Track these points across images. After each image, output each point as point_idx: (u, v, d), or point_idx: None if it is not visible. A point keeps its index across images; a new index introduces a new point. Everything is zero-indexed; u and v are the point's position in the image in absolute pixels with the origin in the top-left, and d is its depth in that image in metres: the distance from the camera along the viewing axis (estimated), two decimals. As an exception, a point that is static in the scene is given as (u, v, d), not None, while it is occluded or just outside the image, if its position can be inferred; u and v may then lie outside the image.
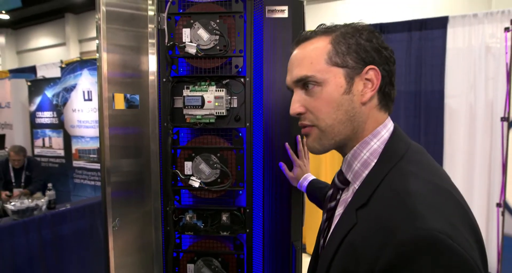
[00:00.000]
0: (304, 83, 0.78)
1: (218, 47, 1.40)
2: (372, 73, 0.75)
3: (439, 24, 3.51)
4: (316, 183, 1.37)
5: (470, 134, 3.45)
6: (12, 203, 2.98)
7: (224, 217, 1.49)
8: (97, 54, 1.12)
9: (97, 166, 4.83)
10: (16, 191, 4.46)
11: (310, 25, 1.63)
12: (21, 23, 13.16)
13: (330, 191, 0.88)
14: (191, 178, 1.44)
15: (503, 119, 3.13)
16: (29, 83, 5.33)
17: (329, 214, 0.85)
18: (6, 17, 11.70)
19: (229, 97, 1.43)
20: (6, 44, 13.87)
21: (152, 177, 1.47)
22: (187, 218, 1.49)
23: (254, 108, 1.44)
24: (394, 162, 0.72)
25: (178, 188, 1.48)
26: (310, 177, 1.40)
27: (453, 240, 0.56)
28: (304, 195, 1.57)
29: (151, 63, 1.42)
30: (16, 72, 6.30)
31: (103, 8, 1.09)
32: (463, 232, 0.59)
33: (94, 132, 4.72)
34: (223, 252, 1.50)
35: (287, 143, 1.44)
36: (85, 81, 4.68)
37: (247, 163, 1.45)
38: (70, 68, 4.79)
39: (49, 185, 3.27)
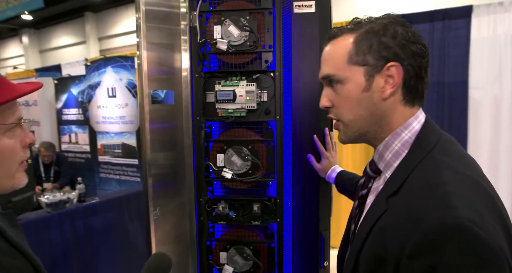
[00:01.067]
0: (329, 80, 0.83)
1: (248, 43, 1.44)
2: (394, 70, 0.76)
3: (463, 14, 3.44)
4: (345, 174, 1.41)
5: (495, 127, 3.40)
6: (46, 196, 3.12)
7: (255, 207, 1.54)
8: (137, 52, 1.18)
9: (121, 160, 4.97)
10: (47, 185, 4.65)
11: (335, 18, 1.66)
12: (43, 23, 13.50)
13: (362, 180, 0.93)
14: (223, 169, 1.49)
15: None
16: (55, 81, 5.50)
17: (360, 201, 0.88)
18: (29, 17, 12.02)
19: (259, 91, 1.48)
20: (29, 43, 14.27)
21: (186, 169, 1.53)
22: (220, 208, 1.55)
23: (284, 101, 1.49)
24: (425, 152, 0.74)
25: (210, 180, 1.54)
26: (338, 168, 1.44)
27: (479, 228, 0.59)
28: (332, 186, 1.61)
29: (184, 59, 1.48)
30: (42, 71, 6.51)
31: (142, 7, 1.15)
32: (490, 220, 0.62)
33: (118, 127, 4.85)
34: (254, 240, 1.56)
35: (315, 136, 1.48)
36: (109, 78, 4.81)
37: (277, 155, 1.50)
38: (95, 66, 4.92)
39: (79, 179, 3.40)
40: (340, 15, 3.77)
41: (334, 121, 0.88)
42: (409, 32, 0.77)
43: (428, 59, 0.80)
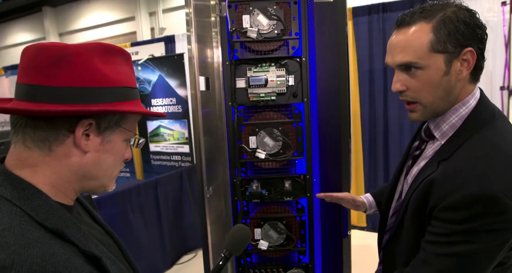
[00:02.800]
0: (407, 66, 0.89)
1: (276, 31, 1.54)
2: (469, 55, 0.84)
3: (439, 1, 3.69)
4: (377, 191, 1.39)
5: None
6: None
7: (286, 184, 1.66)
8: (189, 46, 1.26)
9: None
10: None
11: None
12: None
13: (416, 143, 1.05)
14: (257, 150, 1.60)
15: (502, 88, 3.38)
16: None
17: (414, 160, 1.02)
18: (-17, 12, 11.31)
19: (287, 76, 1.59)
20: (-16, 41, 13.44)
21: (220, 151, 1.63)
22: (253, 187, 1.66)
23: (310, 84, 1.61)
24: (477, 128, 0.86)
25: (245, 161, 1.64)
26: (369, 197, 1.39)
27: (507, 197, 0.74)
28: (351, 162, 1.76)
29: (215, 48, 1.56)
30: (12, 69, 6.21)
31: (193, 2, 1.23)
32: None
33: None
34: (287, 215, 1.68)
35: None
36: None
37: (306, 134, 1.62)
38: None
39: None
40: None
41: (407, 104, 0.95)
42: (474, 17, 0.85)
43: (486, 41, 0.89)
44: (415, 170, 0.99)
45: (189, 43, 1.27)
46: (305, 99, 1.61)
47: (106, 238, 0.87)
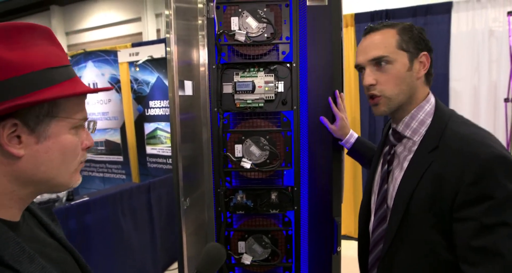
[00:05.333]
0: (377, 61, 1.03)
1: (265, 35, 1.47)
2: (424, 58, 1.03)
3: (444, 9, 3.60)
4: (364, 141, 1.50)
5: (474, 115, 3.59)
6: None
7: (273, 196, 1.57)
8: (168, 48, 1.18)
9: (105, 158, 4.85)
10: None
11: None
12: (6, 16, 12.84)
13: (386, 148, 1.15)
14: (242, 160, 1.52)
15: (506, 100, 3.27)
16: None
17: (389, 164, 1.11)
18: (-8, 10, 11.40)
19: (276, 82, 1.51)
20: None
21: (204, 159, 1.54)
22: (238, 198, 1.58)
23: (300, 92, 1.52)
24: (447, 118, 0.99)
25: (229, 170, 1.56)
26: (355, 134, 1.51)
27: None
28: (343, 173, 1.67)
29: (202, 51, 1.48)
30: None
31: (173, 5, 1.16)
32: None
33: (102, 124, 4.74)
34: (272, 229, 1.60)
35: (330, 98, 1.50)
36: (90, 73, 4.67)
37: (294, 144, 1.54)
38: (74, 60, 4.76)
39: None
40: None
41: (372, 98, 1.07)
42: (424, 33, 1.05)
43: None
44: (397, 172, 1.06)
45: (168, 45, 1.20)
46: (295, 107, 1.52)
47: (62, 255, 0.79)
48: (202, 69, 1.50)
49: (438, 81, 3.67)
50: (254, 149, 1.52)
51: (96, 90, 0.71)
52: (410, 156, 1.02)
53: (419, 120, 1.03)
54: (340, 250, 1.69)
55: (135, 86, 4.37)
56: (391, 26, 1.04)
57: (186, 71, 1.42)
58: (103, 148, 4.86)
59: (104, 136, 4.80)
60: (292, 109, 1.53)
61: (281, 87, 1.52)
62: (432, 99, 1.05)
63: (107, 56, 4.52)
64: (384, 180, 1.10)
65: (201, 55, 1.49)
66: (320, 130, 1.56)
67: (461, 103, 3.65)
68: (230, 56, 1.53)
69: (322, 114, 1.54)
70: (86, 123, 0.72)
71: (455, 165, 0.88)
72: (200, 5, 1.46)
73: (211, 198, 1.58)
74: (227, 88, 1.52)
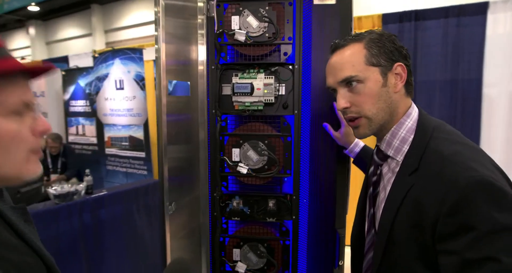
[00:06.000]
0: (348, 82, 0.96)
1: (267, 35, 1.40)
2: (400, 68, 0.94)
3: (478, 10, 3.37)
4: (370, 150, 1.40)
5: (509, 125, 3.34)
6: (54, 188, 3.10)
7: (270, 204, 1.51)
8: (156, 45, 1.15)
9: (129, 153, 4.95)
10: (53, 176, 4.65)
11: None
12: (50, 14, 13.49)
13: (372, 168, 1.06)
14: (239, 164, 1.46)
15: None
16: (63, 73, 5.48)
17: (374, 186, 1.03)
18: (36, 9, 12.00)
19: (277, 85, 1.44)
20: (36, 35, 14.27)
21: (200, 163, 1.50)
22: (234, 204, 1.52)
23: (302, 95, 1.44)
24: (429, 134, 0.89)
25: (225, 174, 1.51)
26: (361, 143, 1.43)
27: (499, 182, 0.73)
28: (349, 182, 1.57)
29: (201, 50, 1.44)
30: (50, 62, 6.48)
31: (162, 2, 1.12)
32: (499, 176, 0.77)
33: (126, 120, 4.83)
34: (269, 238, 1.53)
35: (335, 103, 1.40)
36: (117, 70, 4.78)
37: (294, 151, 1.46)
38: (102, 57, 4.89)
39: (87, 171, 3.38)
40: (357, 9, 3.70)
41: (352, 121, 0.99)
42: (396, 39, 0.96)
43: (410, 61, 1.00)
44: (382, 195, 0.98)
45: (156, 43, 1.16)
46: (296, 111, 1.44)
47: (28, 259, 0.76)
48: (200, 69, 1.46)
49: (471, 87, 3.44)
50: (251, 153, 1.46)
51: (32, 68, 0.65)
52: (394, 178, 0.94)
53: (400, 137, 0.95)
54: (343, 264, 1.59)
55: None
56: (358, 39, 0.96)
57: (182, 71, 1.38)
58: (127, 143, 4.95)
59: (128, 132, 4.90)
60: (293, 113, 1.45)
61: (282, 90, 1.45)
62: (413, 112, 0.96)
63: (133, 54, 4.60)
64: (370, 203, 1.03)
65: (200, 55, 1.44)
66: (323, 136, 1.47)
67: (495, 111, 3.40)
68: (230, 57, 1.47)
69: (325, 120, 1.46)
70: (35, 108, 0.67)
71: (433, 192, 0.80)
72: (200, 4, 1.41)
73: (206, 202, 1.53)
74: (226, 90, 1.47)
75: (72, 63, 6.11)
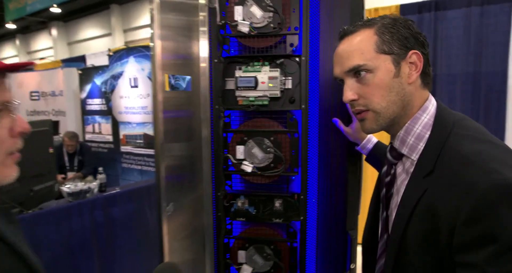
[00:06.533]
0: (356, 72, 0.86)
1: (272, 25, 1.32)
2: (415, 57, 0.85)
3: (505, -1, 3.19)
4: (384, 147, 1.30)
5: (537, 118, 3.15)
6: (67, 186, 3.12)
7: (277, 204, 1.43)
8: (151, 43, 1.09)
9: (143, 151, 4.97)
10: (70, 174, 4.71)
11: (367, 4, 1.50)
12: (71, 15, 13.77)
13: (385, 168, 0.96)
14: (243, 162, 1.39)
15: None
16: (79, 72, 5.55)
17: (388, 187, 0.93)
18: (58, 10, 12.26)
19: (283, 78, 1.36)
20: (58, 36, 14.60)
21: (203, 161, 1.44)
22: (239, 203, 1.45)
23: (310, 89, 1.36)
24: (448, 130, 0.80)
25: (229, 173, 1.44)
26: (374, 138, 1.33)
27: None
28: (361, 181, 1.48)
29: (202, 43, 1.37)
30: (68, 62, 6.59)
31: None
32: None
33: (141, 118, 4.84)
34: (275, 239, 1.45)
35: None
36: (132, 68, 4.79)
37: (302, 147, 1.38)
38: (117, 56, 4.91)
39: (100, 169, 3.39)
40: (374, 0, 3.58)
41: (358, 113, 0.91)
42: (412, 25, 0.86)
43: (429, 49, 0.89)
44: (395, 198, 0.90)
45: (152, 40, 1.11)
46: (303, 106, 1.36)
47: (9, 262, 0.71)
48: (203, 64, 1.39)
49: (495, 80, 3.26)
50: (256, 151, 1.39)
51: (10, 66, 0.61)
52: (408, 180, 0.85)
53: (416, 134, 0.85)
54: (355, 267, 1.50)
55: (173, 81, 4.39)
56: (369, 24, 0.87)
57: (183, 66, 1.32)
58: (141, 141, 4.97)
59: (142, 130, 4.91)
60: (300, 108, 1.37)
61: (288, 83, 1.37)
62: (430, 106, 0.86)
63: (147, 51, 4.60)
64: (384, 206, 0.94)
65: (202, 49, 1.38)
66: (333, 132, 1.39)
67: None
68: (234, 49, 1.40)
69: (335, 114, 1.37)
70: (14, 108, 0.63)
71: (450, 197, 0.70)
72: (202, 1, 1.35)
73: (210, 202, 1.47)
74: (230, 84, 1.40)
75: (89, 62, 6.18)
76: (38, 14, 12.28)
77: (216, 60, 1.39)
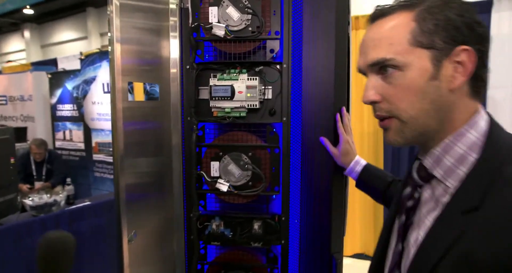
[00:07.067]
0: (381, 67, 0.67)
1: (250, 28, 1.19)
2: (465, 55, 0.63)
3: (482, 8, 3.19)
4: (373, 169, 1.18)
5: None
6: (30, 198, 2.89)
7: (256, 226, 1.29)
8: (110, 47, 0.95)
9: (117, 160, 4.73)
10: (37, 184, 4.42)
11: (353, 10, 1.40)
12: (45, 17, 13.32)
13: (408, 189, 0.76)
14: (218, 180, 1.25)
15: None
16: (49, 76, 5.28)
17: (408, 214, 0.74)
18: (30, 11, 11.83)
19: (263, 87, 1.23)
20: (31, 38, 14.09)
21: (173, 178, 1.29)
22: (214, 226, 1.31)
23: (292, 100, 1.24)
24: (504, 157, 0.61)
25: (203, 192, 1.30)
26: (363, 161, 1.20)
27: None
28: (347, 200, 1.37)
29: (173, 47, 1.23)
30: (38, 65, 6.28)
31: (116, 2, 0.92)
32: None
33: (108, 124, 4.62)
34: (254, 265, 1.32)
35: (338, 114, 1.21)
36: (105, 73, 4.57)
37: (283, 164, 1.25)
38: (90, 60, 4.69)
39: (68, 180, 3.17)
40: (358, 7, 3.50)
41: (381, 120, 0.73)
42: (472, 11, 0.64)
43: (489, 45, 0.67)
44: (416, 233, 0.70)
45: (110, 44, 0.97)
46: (284, 119, 1.23)
47: None
48: (173, 65, 1.25)
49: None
50: (233, 168, 1.25)
51: None
52: (437, 212, 0.67)
53: (457, 155, 0.66)
54: (341, 294, 1.38)
55: (147, 85, 4.22)
56: (409, 6, 0.66)
57: (149, 72, 1.17)
58: (115, 149, 4.74)
59: (116, 138, 4.68)
60: (281, 121, 1.24)
61: (268, 93, 1.24)
62: (481, 121, 0.66)
63: (121, 55, 4.40)
64: (400, 236, 0.76)
65: (172, 51, 1.23)
66: (317, 147, 1.26)
67: (501, 114, 3.20)
68: (208, 55, 1.27)
69: (319, 128, 1.25)
70: None
71: (502, 249, 0.54)
72: (172, 6, 1.21)
73: (181, 224, 1.32)
74: (204, 93, 1.26)
75: (61, 66, 5.91)
76: (10, 15, 11.81)
77: (188, 67, 1.25)
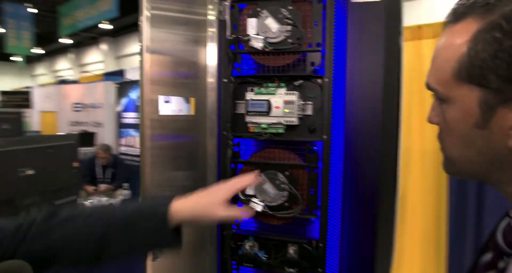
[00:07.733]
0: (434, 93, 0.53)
1: (290, 40, 1.12)
2: None
3: None
4: None
5: None
6: (90, 201, 3.07)
7: (291, 250, 1.21)
8: (139, 57, 0.95)
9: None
10: (102, 186, 4.72)
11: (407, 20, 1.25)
12: (120, 31, 14.45)
13: (489, 255, 0.56)
14: (252, 199, 1.18)
15: None
16: (116, 85, 5.66)
17: None
18: (109, 26, 12.91)
19: (302, 103, 1.15)
20: (108, 50, 15.37)
21: (208, 195, 1.25)
22: (247, 246, 1.24)
23: (333, 117, 1.14)
24: None
25: (237, 210, 1.24)
26: None
27: None
28: (396, 229, 1.23)
29: (210, 60, 1.21)
30: (109, 76, 6.79)
31: (147, 13, 0.92)
32: None
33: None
34: (288, 292, 1.22)
35: None
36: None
37: (322, 185, 1.16)
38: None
39: (125, 184, 3.32)
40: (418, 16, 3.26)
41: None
42: None
43: None
44: None
45: (140, 54, 0.96)
46: (325, 137, 1.14)
47: None
48: (210, 82, 1.22)
49: None
50: (268, 187, 1.18)
51: None
52: None
53: None
54: None
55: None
56: (488, 11, 0.44)
57: (184, 85, 1.16)
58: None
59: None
60: (321, 139, 1.15)
61: (308, 109, 1.16)
62: None
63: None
64: None
65: (209, 64, 1.21)
66: (362, 169, 1.15)
67: None
68: (246, 67, 1.22)
69: (363, 148, 1.14)
70: None
71: None
72: (210, 17, 1.19)
73: (214, 241, 1.28)
74: (241, 108, 1.21)
75: (128, 76, 6.31)
76: (89, 30, 12.98)
77: (225, 80, 1.21)
